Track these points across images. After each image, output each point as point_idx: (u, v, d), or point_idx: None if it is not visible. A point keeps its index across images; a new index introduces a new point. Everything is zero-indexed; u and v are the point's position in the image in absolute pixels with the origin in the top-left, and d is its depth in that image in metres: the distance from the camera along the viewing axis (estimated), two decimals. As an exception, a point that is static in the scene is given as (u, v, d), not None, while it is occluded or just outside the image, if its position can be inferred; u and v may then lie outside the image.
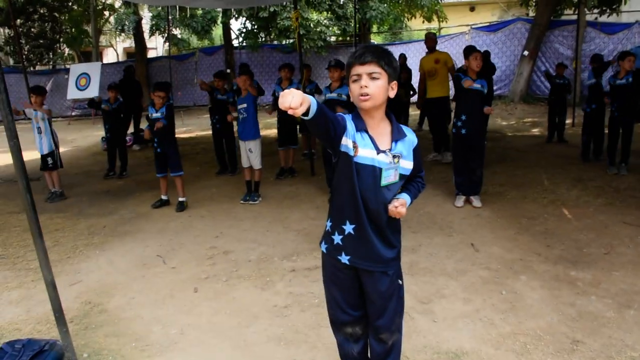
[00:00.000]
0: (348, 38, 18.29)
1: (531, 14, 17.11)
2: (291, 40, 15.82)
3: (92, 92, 12.63)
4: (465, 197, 5.93)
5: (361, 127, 2.14)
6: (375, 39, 22.11)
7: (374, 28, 19.98)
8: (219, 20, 16.61)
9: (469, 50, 5.90)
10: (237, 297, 3.92)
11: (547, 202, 5.94)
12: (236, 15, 15.50)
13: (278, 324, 3.45)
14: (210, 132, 11.95)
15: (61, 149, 7.49)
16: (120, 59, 25.98)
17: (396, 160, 2.16)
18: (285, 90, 1.74)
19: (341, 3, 15.84)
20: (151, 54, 23.32)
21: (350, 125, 2.12)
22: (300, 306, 3.70)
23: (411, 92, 11.15)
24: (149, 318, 3.63)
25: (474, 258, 4.45)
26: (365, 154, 2.12)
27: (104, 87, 10.56)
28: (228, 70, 16.29)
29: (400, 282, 2.35)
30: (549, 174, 7.11)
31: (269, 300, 3.81)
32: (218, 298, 3.91)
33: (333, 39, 16.36)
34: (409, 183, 2.34)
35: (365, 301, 2.37)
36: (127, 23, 16.64)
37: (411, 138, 2.25)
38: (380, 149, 2.14)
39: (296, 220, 5.71)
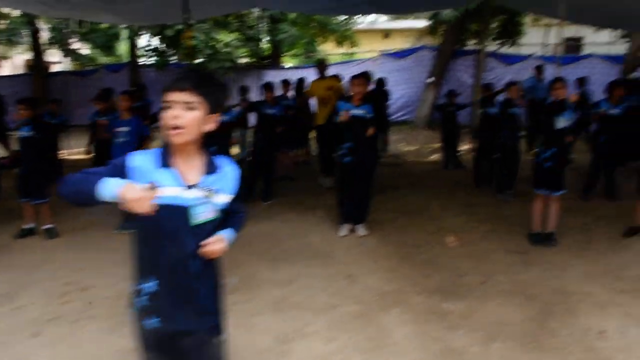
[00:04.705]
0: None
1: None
2: (197, 60, 15.38)
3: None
4: (349, 225, 5.73)
5: (166, 163, 1.87)
6: (289, 62, 22.05)
7: (286, 51, 19.93)
8: (122, 36, 15.91)
9: (353, 76, 5.81)
10: (82, 340, 3.48)
11: (434, 228, 5.88)
12: (141, 33, 14.91)
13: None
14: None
15: None
16: (22, 72, 24.34)
17: (209, 194, 1.91)
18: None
19: (251, 25, 15.62)
20: (58, 68, 21.94)
21: (144, 165, 1.85)
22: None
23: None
24: (-35, 372, 3.13)
25: (349, 291, 4.25)
26: (168, 192, 1.84)
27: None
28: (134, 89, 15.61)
29: None
30: (440, 200, 7.12)
31: (114, 344, 3.41)
32: (59, 344, 3.45)
33: (243, 60, 16.04)
34: (230, 218, 2.08)
35: None
36: (19, 33, 15.47)
37: (229, 170, 2.00)
38: (189, 185, 1.88)
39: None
